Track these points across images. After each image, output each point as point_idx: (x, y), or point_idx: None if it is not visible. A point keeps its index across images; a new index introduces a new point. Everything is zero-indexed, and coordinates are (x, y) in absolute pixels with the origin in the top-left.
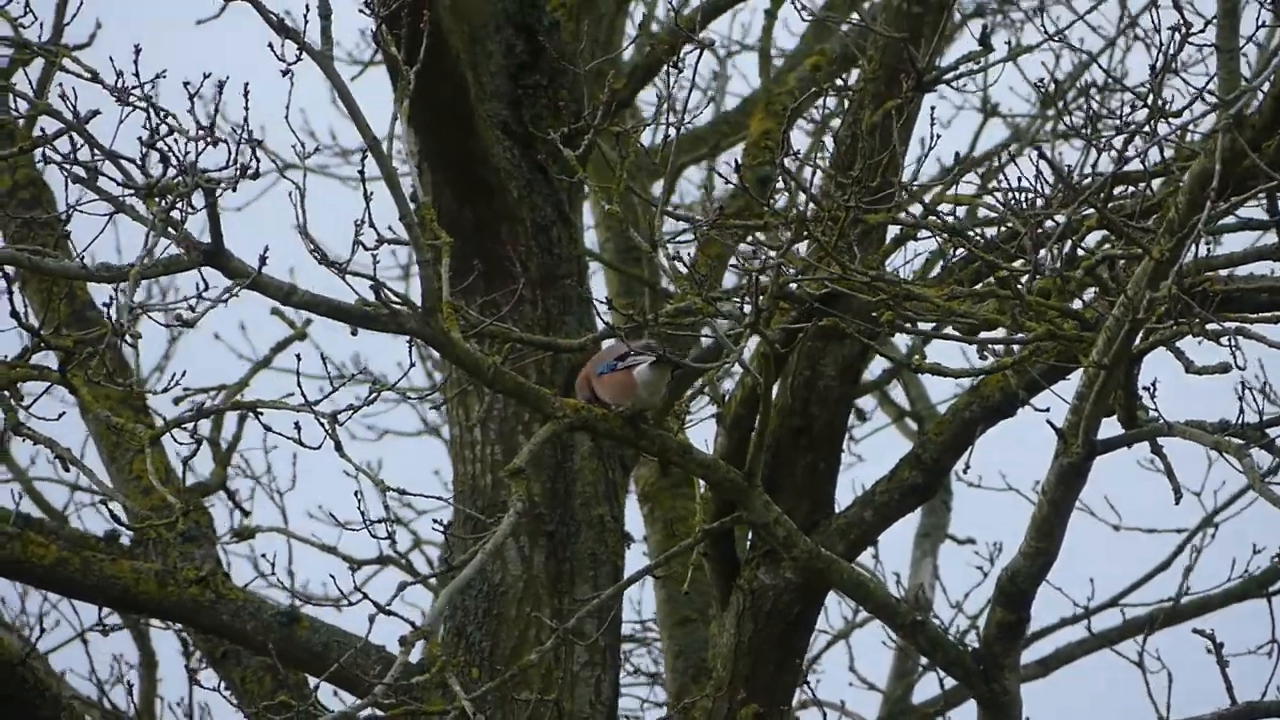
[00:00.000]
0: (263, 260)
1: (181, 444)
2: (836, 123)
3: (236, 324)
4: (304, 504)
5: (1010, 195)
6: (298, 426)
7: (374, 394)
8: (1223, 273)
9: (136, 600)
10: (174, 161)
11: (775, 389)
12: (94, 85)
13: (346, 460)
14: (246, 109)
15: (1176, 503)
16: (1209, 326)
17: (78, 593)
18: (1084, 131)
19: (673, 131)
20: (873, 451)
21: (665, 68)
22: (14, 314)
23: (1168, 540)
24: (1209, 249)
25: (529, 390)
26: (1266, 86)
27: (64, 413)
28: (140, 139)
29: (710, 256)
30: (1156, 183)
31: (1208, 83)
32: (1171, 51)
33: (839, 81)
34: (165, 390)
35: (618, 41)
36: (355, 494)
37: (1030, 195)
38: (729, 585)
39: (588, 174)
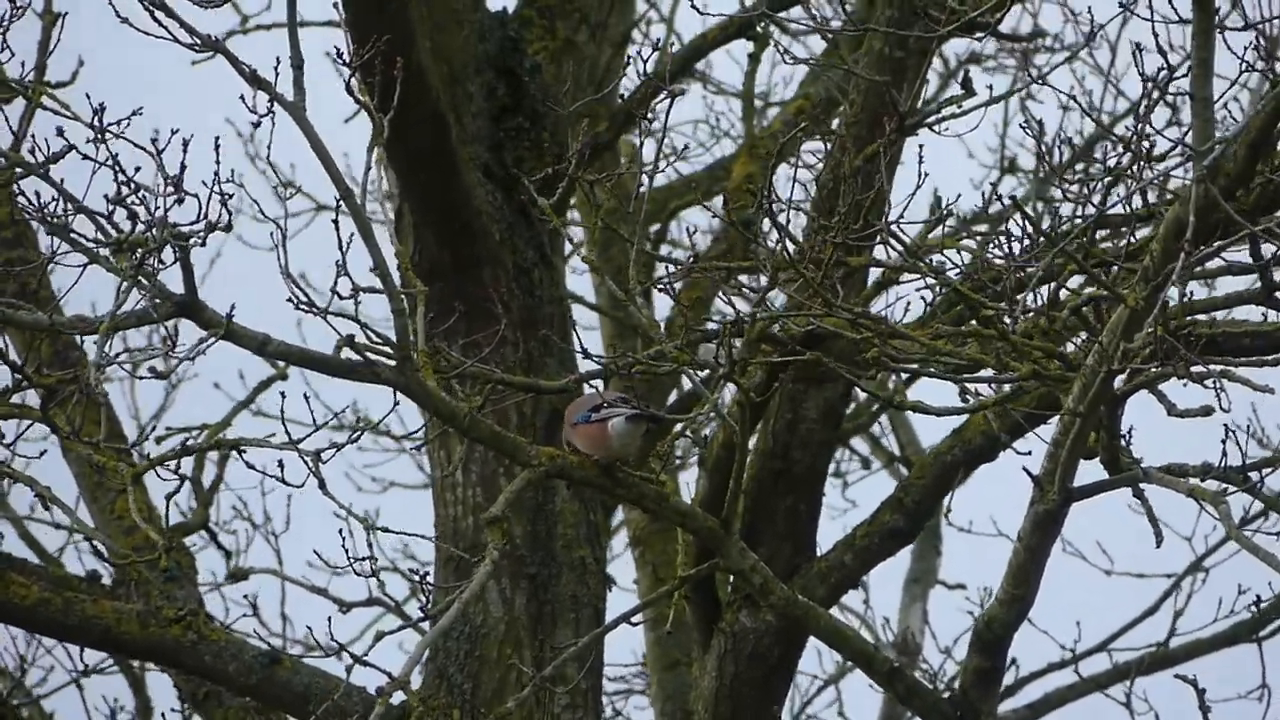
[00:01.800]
0: (229, 317)
1: (166, 480)
2: (820, 166)
3: (235, 371)
4: (298, 546)
5: (993, 239)
6: (281, 465)
7: (357, 433)
8: (1205, 316)
9: (118, 641)
10: (142, 217)
11: (755, 434)
12: (71, 125)
13: (330, 499)
14: (218, 162)
15: (1158, 546)
16: (1193, 369)
17: (59, 633)
18: (1063, 177)
19: (646, 180)
20: (865, 497)
21: (638, 117)
22: None
23: (1159, 585)
24: (1190, 296)
25: (505, 439)
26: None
27: (45, 450)
28: (106, 196)
29: (691, 300)
30: (1142, 232)
31: (1186, 132)
32: (1154, 97)
33: (817, 126)
34: (141, 439)
35: (610, 82)
36: (340, 532)
37: (1012, 239)
38: (710, 628)
39: (566, 220)
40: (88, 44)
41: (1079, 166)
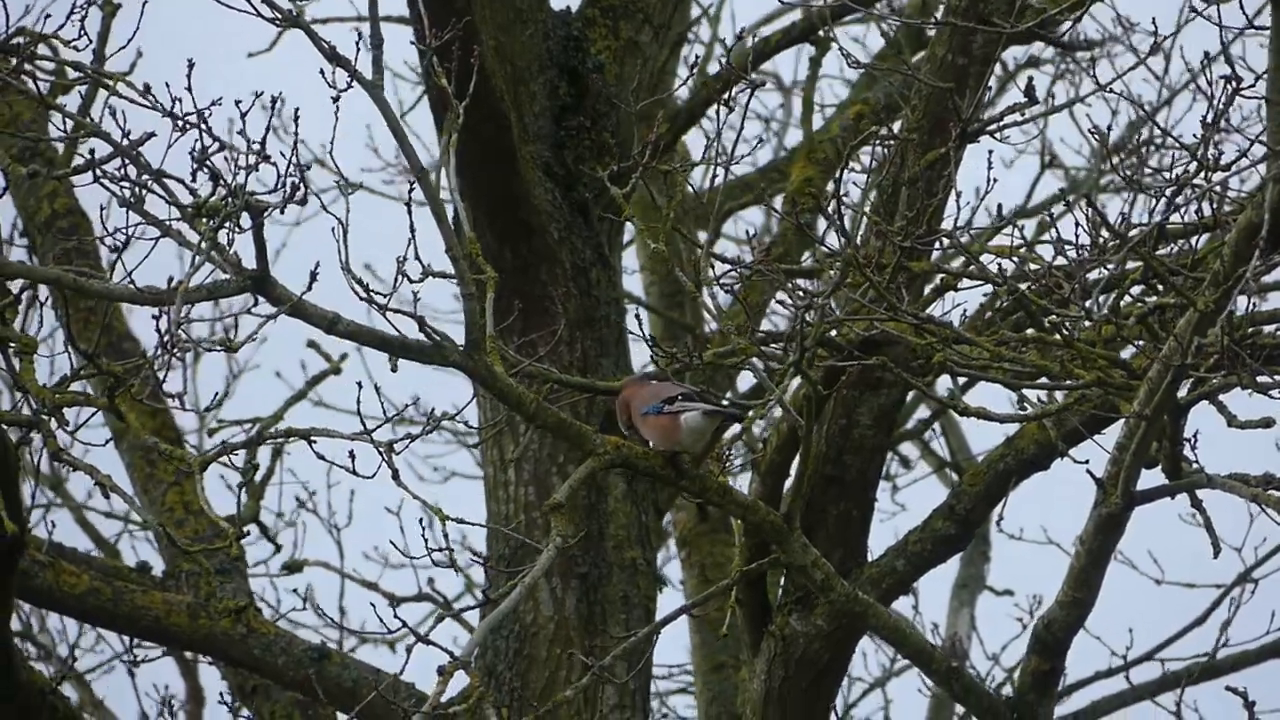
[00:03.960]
0: (313, 277)
1: (234, 469)
2: (881, 170)
3: (297, 361)
4: (359, 540)
5: (1058, 246)
6: (352, 455)
7: (431, 425)
8: (1270, 328)
9: (167, 632)
10: (223, 181)
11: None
12: (138, 109)
13: (403, 489)
14: (296, 134)
15: (1215, 556)
16: (1259, 379)
17: (109, 623)
18: (1132, 179)
19: (720, 171)
20: (915, 500)
21: (716, 106)
22: (68, 334)
23: (1208, 594)
24: (1256, 305)
25: (570, 426)
26: None
27: (110, 439)
28: (191, 154)
29: (753, 303)
30: (1202, 239)
31: (1259, 135)
32: (1222, 105)
33: (884, 130)
34: (209, 410)
35: (666, 84)
36: (419, 521)
37: (1076, 246)
38: (760, 631)
39: (633, 214)
40: (145, 38)
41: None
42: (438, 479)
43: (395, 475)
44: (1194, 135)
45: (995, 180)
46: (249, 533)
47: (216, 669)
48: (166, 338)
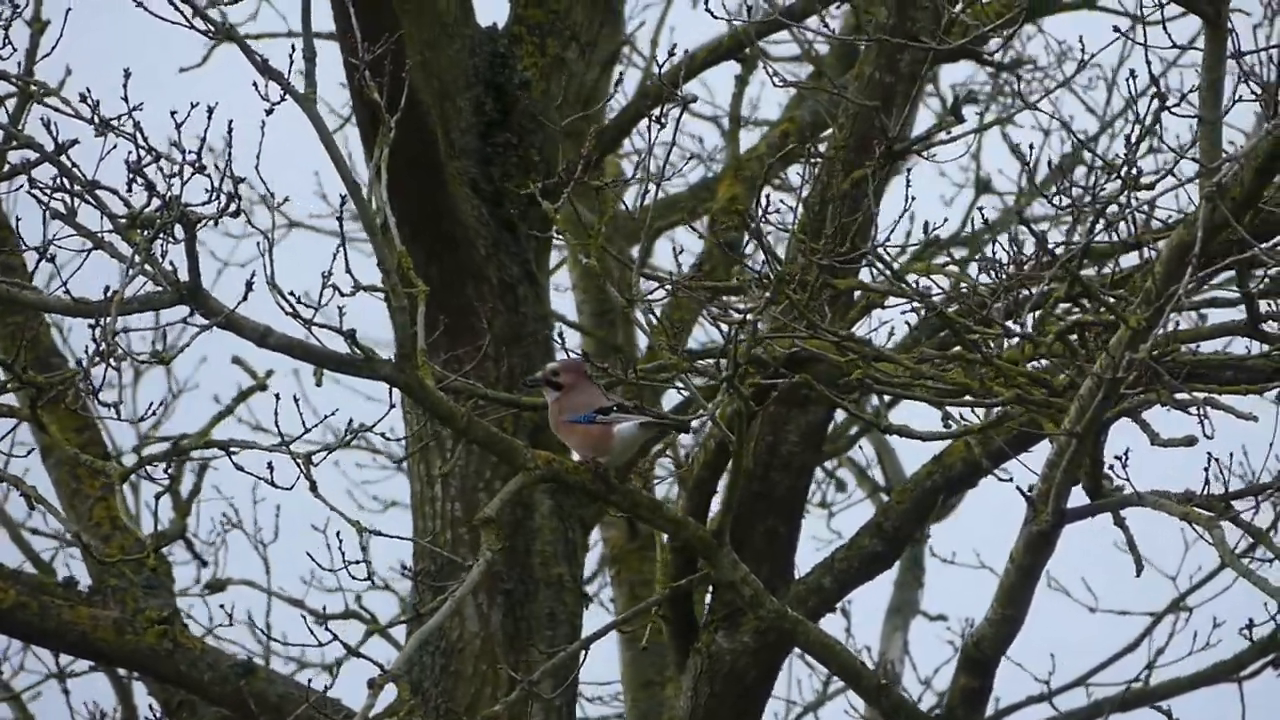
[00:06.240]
0: (249, 286)
1: (156, 481)
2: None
3: (235, 384)
4: (287, 557)
5: (979, 262)
6: (270, 467)
7: (350, 436)
8: (1189, 347)
9: (94, 647)
10: (158, 192)
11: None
12: (71, 120)
13: (321, 501)
14: (230, 146)
15: (1138, 574)
16: (1178, 396)
17: (35, 638)
18: (1058, 203)
19: (652, 187)
20: (851, 529)
21: (647, 123)
22: None
23: (1141, 622)
24: (1179, 323)
25: (500, 440)
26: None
27: (32, 449)
28: (127, 162)
29: (678, 320)
30: (1126, 260)
31: (1190, 146)
32: (1148, 123)
33: (811, 148)
34: (141, 419)
35: (598, 100)
36: (337, 534)
37: (1002, 265)
38: (686, 649)
39: (562, 229)
40: (80, 57)
41: (1064, 188)
42: (378, 508)
43: (313, 486)
44: (1117, 155)
45: (914, 198)
46: (165, 546)
47: (144, 684)
48: (101, 348)
